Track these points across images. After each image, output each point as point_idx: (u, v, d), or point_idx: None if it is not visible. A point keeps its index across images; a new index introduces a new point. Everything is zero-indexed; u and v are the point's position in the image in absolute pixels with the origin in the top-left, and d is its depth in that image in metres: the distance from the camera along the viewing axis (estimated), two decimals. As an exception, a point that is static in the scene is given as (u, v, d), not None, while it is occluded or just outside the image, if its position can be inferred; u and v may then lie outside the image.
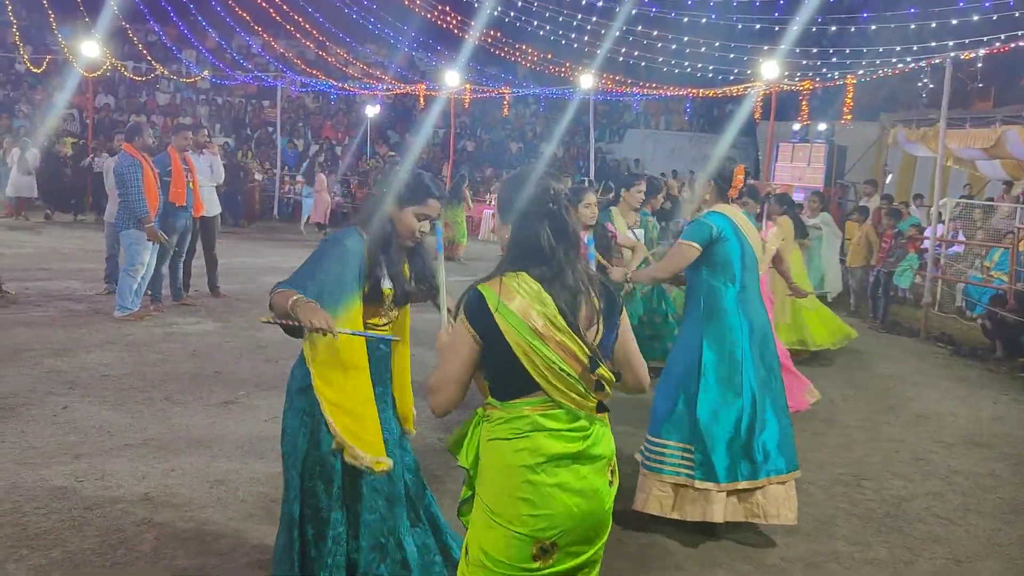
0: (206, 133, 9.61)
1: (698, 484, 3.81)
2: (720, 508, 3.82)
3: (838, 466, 5.20)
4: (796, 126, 17.11)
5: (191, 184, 8.35)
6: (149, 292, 8.21)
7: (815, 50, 13.99)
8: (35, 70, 20.16)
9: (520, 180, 2.29)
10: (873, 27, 13.04)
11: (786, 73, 14.16)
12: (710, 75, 15.92)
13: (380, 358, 2.97)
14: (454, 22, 17.82)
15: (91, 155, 16.89)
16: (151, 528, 3.65)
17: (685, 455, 3.87)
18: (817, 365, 7.75)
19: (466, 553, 2.21)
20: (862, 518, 4.42)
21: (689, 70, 16.08)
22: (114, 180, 8.07)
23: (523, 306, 2.13)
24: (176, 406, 5.40)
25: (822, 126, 18.45)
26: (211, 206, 9.21)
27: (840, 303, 11.31)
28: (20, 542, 3.50)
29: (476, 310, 2.14)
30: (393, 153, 25.97)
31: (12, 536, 3.54)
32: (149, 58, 21.23)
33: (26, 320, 7.54)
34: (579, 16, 15.46)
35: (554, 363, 2.12)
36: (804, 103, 14.87)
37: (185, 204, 8.23)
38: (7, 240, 12.79)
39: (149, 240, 7.68)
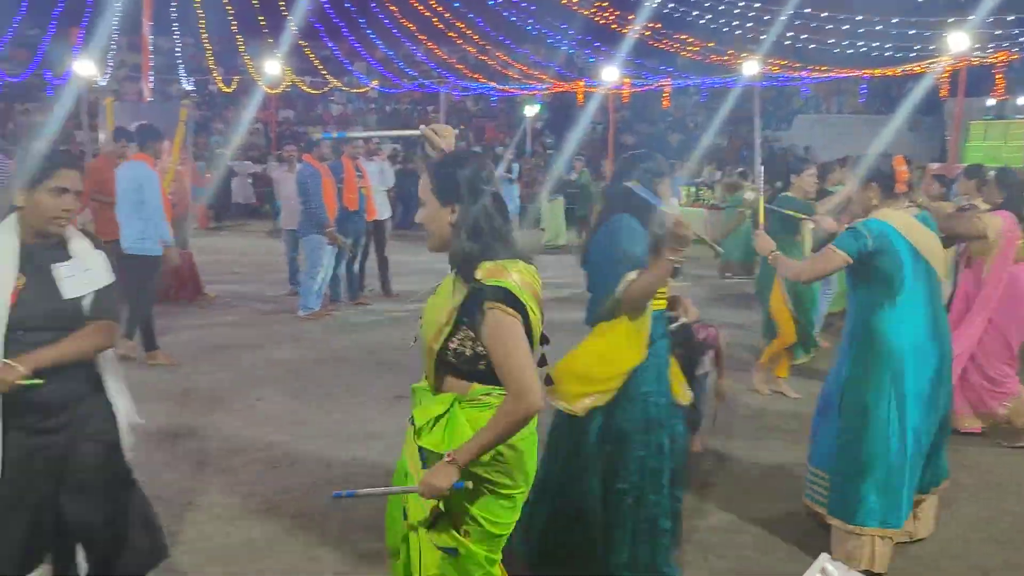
0: (376, 141, 10.12)
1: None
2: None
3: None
4: (990, 101, 15.65)
5: (363, 190, 8.83)
6: (328, 292, 8.77)
7: (1011, 17, 12.66)
8: (226, 90, 22.02)
9: (460, 160, 2.26)
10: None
11: (977, 45, 12.92)
12: (887, 53, 14.82)
13: None
14: (612, 17, 17.72)
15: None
16: (336, 513, 3.90)
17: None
18: None
19: (465, 534, 2.23)
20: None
21: (864, 49, 15.06)
22: (296, 188, 8.67)
23: (530, 294, 2.19)
24: (354, 399, 5.75)
25: (1022, 100, 16.75)
26: (382, 210, 9.69)
27: None
28: (228, 521, 3.86)
29: (514, 302, 2.14)
30: (551, 151, 26.25)
31: (221, 515, 3.91)
32: (324, 72, 22.61)
33: (223, 321, 8.27)
34: (742, 2, 14.90)
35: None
36: (999, 76, 13.53)
37: (358, 208, 8.71)
38: (204, 246, 14.04)
39: (329, 244, 8.21)
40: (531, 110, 23.77)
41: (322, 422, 5.26)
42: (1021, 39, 13.06)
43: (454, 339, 2.19)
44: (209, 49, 21.50)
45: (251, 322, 8.25)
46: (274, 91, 20.07)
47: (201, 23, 20.97)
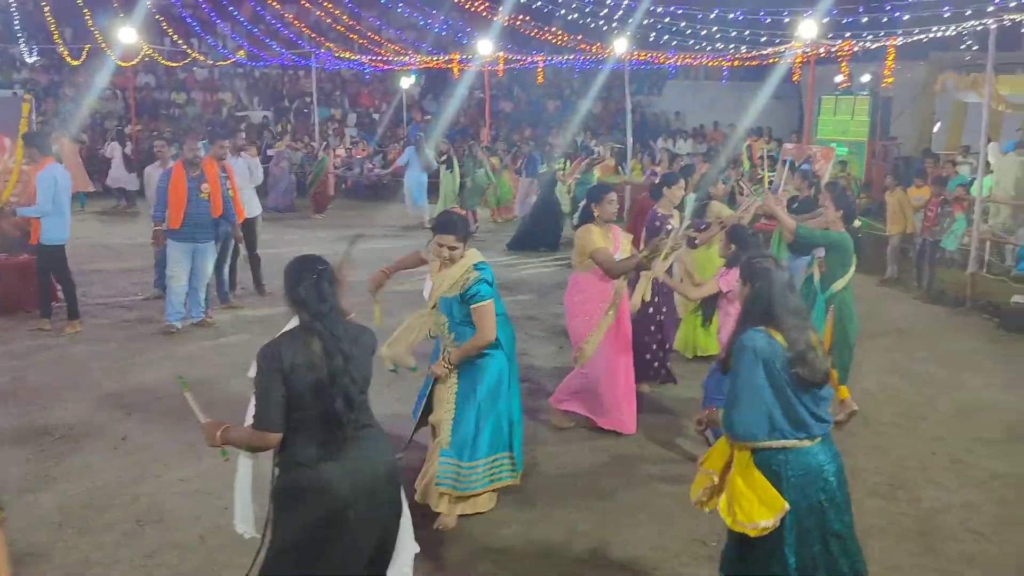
0: (243, 136, 9.79)
1: None
2: None
3: (872, 474, 5.24)
4: (838, 78, 16.59)
5: (230, 191, 8.54)
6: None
7: (858, 7, 13.46)
8: (73, 63, 20.49)
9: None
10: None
11: (829, 35, 13.67)
12: (747, 35, 15.45)
13: None
14: (482, 6, 17.58)
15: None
16: None
17: None
18: (859, 346, 7.67)
19: None
20: (896, 535, 4.48)
21: (720, 38, 15.67)
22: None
23: None
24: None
25: (866, 77, 17.85)
26: (251, 208, 9.43)
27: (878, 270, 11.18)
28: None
29: None
30: (428, 117, 25.96)
31: (82, 588, 3.82)
32: (183, 44, 21.40)
33: (82, 337, 7.88)
34: (608, 3, 15.12)
35: None
36: (844, 63, 14.39)
37: (225, 212, 8.43)
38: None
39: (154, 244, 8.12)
40: (407, 81, 23.41)
41: (192, 465, 5.14)
42: (863, 32, 13.90)
43: None
44: (48, 10, 19.79)
45: (113, 336, 7.90)
46: (127, 64, 18.81)
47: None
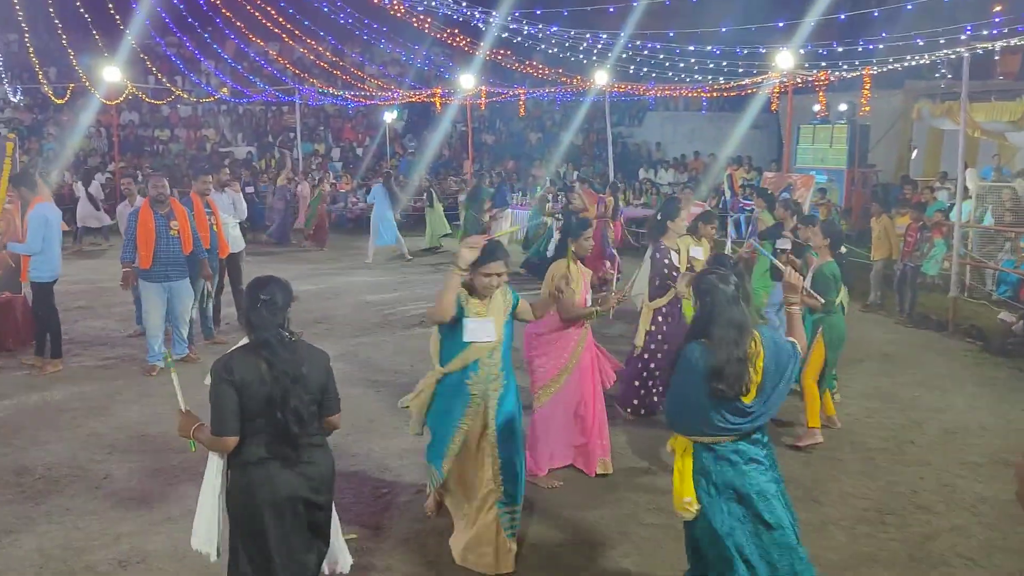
0: (227, 172, 9.81)
1: None
2: None
3: (861, 500, 5.23)
4: (816, 107, 16.86)
5: (215, 227, 8.53)
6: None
7: (835, 43, 13.76)
8: (58, 101, 20.52)
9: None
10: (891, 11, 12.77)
11: (805, 65, 13.93)
12: (725, 67, 15.73)
13: None
14: (464, 42, 17.83)
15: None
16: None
17: None
18: (845, 371, 7.72)
19: None
20: (885, 563, 4.46)
21: (699, 71, 15.92)
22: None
23: None
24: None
25: (843, 106, 18.15)
26: (235, 243, 9.41)
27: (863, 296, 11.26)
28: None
29: None
30: (412, 151, 26.13)
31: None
32: (167, 82, 21.53)
33: (62, 375, 7.80)
34: (588, 36, 15.38)
35: None
36: (821, 93, 14.64)
37: (209, 247, 8.40)
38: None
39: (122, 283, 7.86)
40: (390, 116, 23.63)
41: (176, 504, 5.06)
42: (838, 62, 14.17)
43: None
44: (32, 52, 19.85)
45: (95, 374, 7.82)
46: (112, 102, 18.86)
47: (22, 20, 19.27)
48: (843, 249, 6.62)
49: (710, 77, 16.84)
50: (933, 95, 17.35)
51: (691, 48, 14.42)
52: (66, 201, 17.79)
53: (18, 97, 23.74)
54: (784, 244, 7.63)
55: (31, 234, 7.56)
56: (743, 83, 15.79)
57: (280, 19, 19.50)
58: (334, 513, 3.46)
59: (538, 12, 16.00)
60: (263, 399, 3.11)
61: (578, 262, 5.49)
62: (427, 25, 17.26)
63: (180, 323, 7.98)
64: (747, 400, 3.26)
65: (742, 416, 3.29)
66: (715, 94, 18.10)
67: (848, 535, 4.76)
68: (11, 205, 8.93)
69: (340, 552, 3.56)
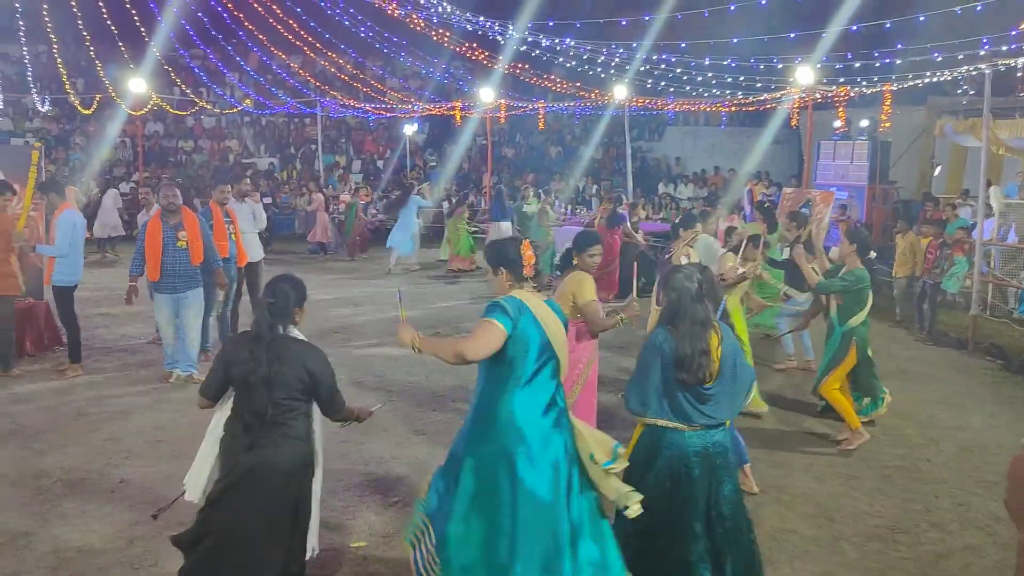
0: (248, 182, 9.93)
1: None
2: None
3: (874, 516, 5.18)
4: (836, 123, 16.78)
5: (233, 236, 8.63)
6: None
7: (849, 55, 13.72)
8: (85, 112, 20.88)
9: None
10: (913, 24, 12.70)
11: (824, 80, 13.89)
12: (742, 81, 15.70)
13: None
14: (482, 56, 17.97)
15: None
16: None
17: None
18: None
19: None
20: (896, 581, 4.42)
21: (716, 84, 15.89)
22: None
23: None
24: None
25: (864, 122, 18.05)
26: (254, 252, 9.51)
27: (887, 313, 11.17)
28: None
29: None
30: (433, 164, 26.29)
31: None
32: (190, 94, 21.87)
33: (83, 380, 7.92)
34: (604, 51, 15.44)
35: None
36: (841, 109, 14.58)
37: (228, 256, 8.50)
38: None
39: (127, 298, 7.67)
40: (410, 128, 23.81)
41: (191, 509, 5.09)
42: (857, 78, 14.11)
43: None
44: (61, 64, 20.22)
45: (114, 380, 7.92)
46: (138, 112, 19.18)
47: (51, 32, 19.65)
48: (872, 254, 6.54)
49: (728, 92, 16.82)
50: (956, 111, 17.22)
51: (707, 62, 14.37)
52: (91, 210, 18.15)
53: (46, 107, 24.17)
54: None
55: (59, 237, 7.75)
56: (762, 98, 15.76)
57: (302, 32, 19.74)
58: (314, 507, 3.76)
59: (551, 24, 16.06)
60: (241, 382, 3.55)
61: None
62: (446, 39, 17.41)
63: (189, 336, 7.81)
64: (708, 384, 3.64)
65: (703, 402, 3.63)
66: (734, 109, 18.07)
67: (860, 551, 4.72)
68: (35, 212, 9.13)
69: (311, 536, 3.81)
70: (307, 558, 3.78)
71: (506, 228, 14.76)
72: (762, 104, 16.60)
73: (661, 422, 3.66)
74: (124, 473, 5.65)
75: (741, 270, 6.45)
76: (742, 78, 15.38)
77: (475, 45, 17.53)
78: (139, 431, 6.49)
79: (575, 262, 5.35)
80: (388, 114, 23.61)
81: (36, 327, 8.88)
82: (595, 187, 22.62)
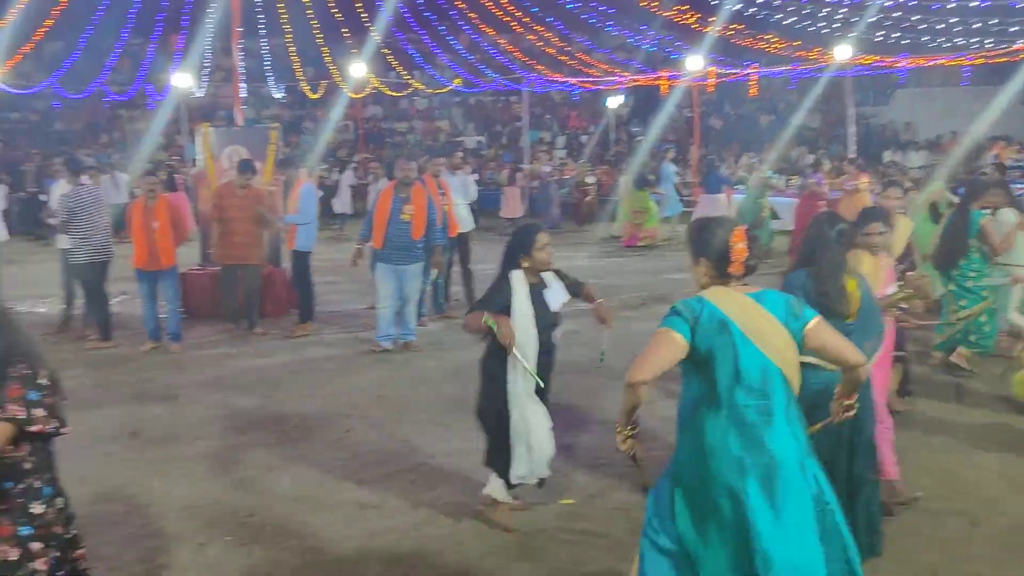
0: (459, 156, 10.29)
1: None
2: None
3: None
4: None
5: (445, 207, 8.98)
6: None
7: None
8: (313, 96, 22.66)
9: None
10: None
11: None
12: (991, 36, 13.87)
13: None
14: (693, 19, 17.34)
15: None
16: (421, 568, 4.06)
17: None
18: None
19: None
20: None
21: (961, 30, 14.12)
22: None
23: None
24: (439, 429, 5.89)
25: None
26: (465, 223, 9.86)
27: None
28: (321, 568, 4.07)
29: None
30: (640, 138, 25.92)
31: (313, 564, 4.13)
32: (405, 75, 23.02)
33: (312, 340, 8.64)
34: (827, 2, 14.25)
35: None
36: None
37: (442, 225, 8.85)
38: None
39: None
40: (614, 101, 23.55)
41: (410, 457, 5.42)
42: None
43: None
44: (294, 52, 22.07)
45: (341, 341, 8.58)
46: (358, 95, 20.52)
47: (286, 27, 21.46)
48: None
49: (974, 42, 14.76)
50: None
51: (951, 5, 12.61)
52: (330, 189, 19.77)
53: (281, 95, 26.46)
54: None
55: (303, 206, 8.63)
56: (1018, 45, 13.69)
57: (510, 7, 20.09)
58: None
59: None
60: None
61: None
62: (655, 5, 16.97)
63: (408, 307, 8.08)
64: (849, 320, 3.79)
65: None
66: (980, 60, 16.01)
67: None
68: (275, 187, 10.04)
69: None
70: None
71: (722, 202, 14.18)
72: (1015, 55, 14.47)
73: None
74: (351, 423, 6.09)
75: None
76: (994, 21, 13.30)
77: (686, 8, 16.94)
78: (362, 388, 6.97)
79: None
80: (592, 87, 23.52)
81: (274, 291, 9.78)
82: (811, 157, 21.21)
